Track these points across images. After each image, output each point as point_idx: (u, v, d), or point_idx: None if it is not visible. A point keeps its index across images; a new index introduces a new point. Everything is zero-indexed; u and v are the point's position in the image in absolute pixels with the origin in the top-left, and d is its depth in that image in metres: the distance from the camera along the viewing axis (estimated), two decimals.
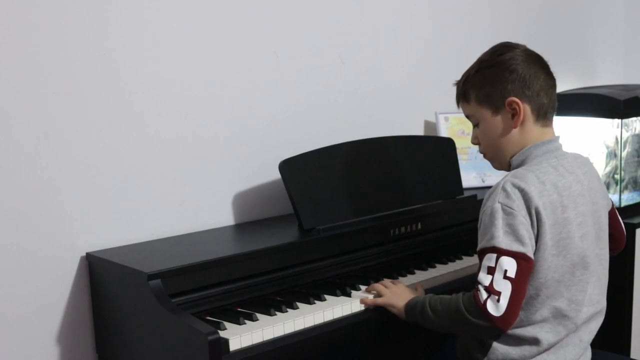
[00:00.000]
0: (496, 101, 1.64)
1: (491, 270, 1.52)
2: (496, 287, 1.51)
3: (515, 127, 1.63)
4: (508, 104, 1.62)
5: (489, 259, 1.53)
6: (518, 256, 1.51)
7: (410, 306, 1.69)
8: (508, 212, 1.53)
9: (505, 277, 1.50)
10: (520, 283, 1.52)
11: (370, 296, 1.77)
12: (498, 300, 1.50)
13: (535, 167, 1.60)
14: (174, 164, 1.99)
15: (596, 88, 2.85)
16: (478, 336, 1.63)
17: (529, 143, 1.64)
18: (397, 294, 1.75)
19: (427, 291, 1.82)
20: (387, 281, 1.82)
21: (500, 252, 1.51)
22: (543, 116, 1.65)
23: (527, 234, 1.52)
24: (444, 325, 1.63)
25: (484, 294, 1.52)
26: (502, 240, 1.52)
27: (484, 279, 1.52)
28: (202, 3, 2.01)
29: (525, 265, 1.52)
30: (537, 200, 1.53)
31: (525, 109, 1.62)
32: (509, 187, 1.55)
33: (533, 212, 1.53)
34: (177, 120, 1.98)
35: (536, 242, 1.55)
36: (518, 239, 1.52)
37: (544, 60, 1.68)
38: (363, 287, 1.83)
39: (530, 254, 1.53)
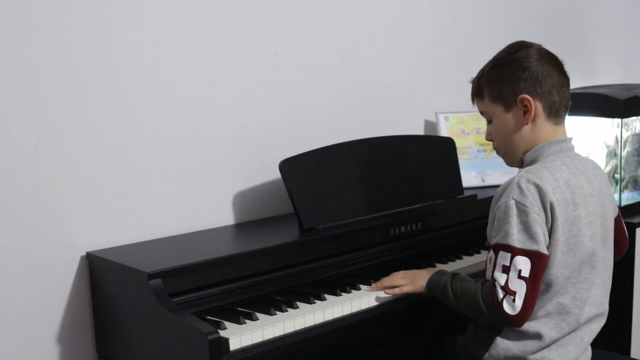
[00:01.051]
0: (508, 98, 1.67)
1: (506, 269, 1.55)
2: (511, 286, 1.54)
3: (526, 124, 1.66)
4: (520, 101, 1.65)
5: (504, 258, 1.55)
6: (532, 255, 1.54)
7: (433, 282, 1.72)
8: (522, 209, 1.55)
9: (520, 276, 1.53)
10: (534, 281, 1.54)
11: (396, 289, 1.78)
12: (514, 300, 1.54)
13: (549, 164, 1.63)
14: (174, 164, 1.99)
15: (596, 87, 2.85)
16: (492, 325, 1.65)
17: (541, 140, 1.66)
18: (415, 278, 1.78)
19: None
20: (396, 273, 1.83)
21: (515, 252, 1.54)
22: (555, 114, 1.67)
23: (541, 230, 1.55)
24: (462, 309, 1.66)
25: (500, 293, 1.55)
26: (517, 238, 1.54)
27: (500, 277, 1.55)
28: (202, 3, 2.01)
29: (540, 263, 1.55)
30: (552, 196, 1.56)
31: (537, 106, 1.65)
32: (523, 183, 1.56)
33: (548, 207, 1.55)
34: (177, 120, 1.99)
35: (549, 238, 1.57)
36: (532, 236, 1.54)
37: (558, 59, 1.71)
38: (363, 287, 1.84)
39: (544, 250, 1.55)
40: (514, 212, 1.55)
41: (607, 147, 2.63)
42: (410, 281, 1.79)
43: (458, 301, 1.66)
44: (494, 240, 1.60)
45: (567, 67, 1.73)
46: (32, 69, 1.73)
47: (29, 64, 1.73)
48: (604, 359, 1.78)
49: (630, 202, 2.65)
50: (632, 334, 2.50)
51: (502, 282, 1.55)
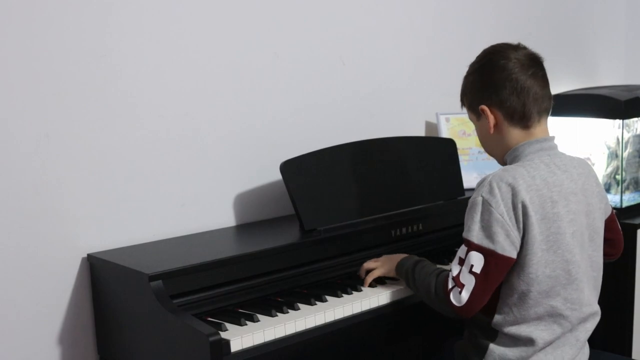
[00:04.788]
0: (475, 108, 1.71)
1: (461, 262, 1.60)
2: (461, 279, 1.58)
3: (490, 133, 1.69)
4: (481, 110, 1.69)
5: (462, 250, 1.60)
6: (487, 253, 1.56)
7: (400, 266, 1.80)
8: (486, 208, 1.57)
9: (471, 271, 1.57)
10: (486, 279, 1.57)
11: (368, 277, 1.85)
12: (460, 292, 1.57)
13: (527, 162, 1.63)
14: (174, 165, 1.99)
15: (597, 89, 2.85)
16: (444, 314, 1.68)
17: (512, 145, 1.67)
18: (387, 260, 1.86)
19: None
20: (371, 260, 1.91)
21: (471, 247, 1.58)
22: (519, 119, 1.65)
23: (503, 231, 1.55)
24: (420, 295, 1.72)
25: (450, 283, 1.60)
26: (476, 234, 1.58)
27: (454, 268, 1.60)
28: (202, 3, 2.01)
29: (494, 262, 1.56)
30: (524, 195, 1.56)
31: (496, 114, 1.67)
32: (495, 182, 1.58)
33: (519, 206, 1.56)
34: (177, 121, 1.98)
35: (524, 237, 1.57)
36: (490, 235, 1.56)
37: (530, 64, 1.65)
38: (364, 288, 1.83)
39: (502, 252, 1.56)
40: (478, 208, 1.58)
41: (608, 148, 2.63)
42: (381, 264, 1.85)
43: (416, 286, 1.71)
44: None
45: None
46: (33, 71, 1.73)
47: (30, 66, 1.73)
48: (604, 359, 1.78)
49: (632, 203, 2.64)
50: (633, 334, 2.50)
51: (455, 273, 1.59)
